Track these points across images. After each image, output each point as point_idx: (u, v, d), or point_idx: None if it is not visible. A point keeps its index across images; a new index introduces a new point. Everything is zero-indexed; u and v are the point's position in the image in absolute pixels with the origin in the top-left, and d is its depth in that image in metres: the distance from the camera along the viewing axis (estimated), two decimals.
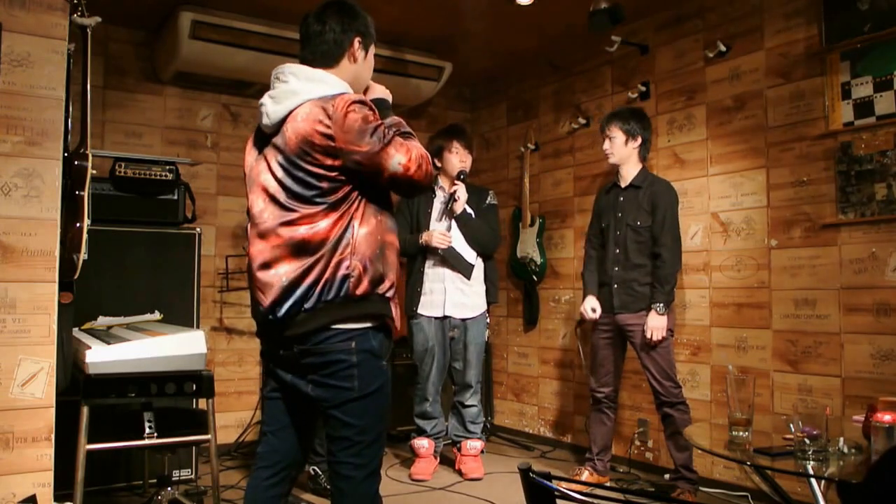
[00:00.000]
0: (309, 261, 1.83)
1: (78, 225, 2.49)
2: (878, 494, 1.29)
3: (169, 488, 3.10)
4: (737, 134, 3.65)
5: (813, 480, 2.05)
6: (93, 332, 3.04)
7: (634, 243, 3.46)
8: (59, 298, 2.49)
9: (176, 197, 3.67)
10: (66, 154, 2.52)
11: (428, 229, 3.84)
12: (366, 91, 2.11)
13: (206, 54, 3.98)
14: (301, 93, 1.88)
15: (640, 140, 3.51)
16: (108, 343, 2.69)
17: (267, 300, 1.86)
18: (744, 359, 3.54)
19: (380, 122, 1.86)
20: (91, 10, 2.56)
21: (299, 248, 1.84)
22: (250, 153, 2.04)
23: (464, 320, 3.89)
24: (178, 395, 2.70)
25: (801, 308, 3.33)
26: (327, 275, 1.83)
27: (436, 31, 4.35)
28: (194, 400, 3.36)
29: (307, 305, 1.83)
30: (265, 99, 1.95)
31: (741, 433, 2.20)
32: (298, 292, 1.83)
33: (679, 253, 3.46)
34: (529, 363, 4.90)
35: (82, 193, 2.51)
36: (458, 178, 3.82)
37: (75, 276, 2.53)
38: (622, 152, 3.52)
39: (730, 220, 3.66)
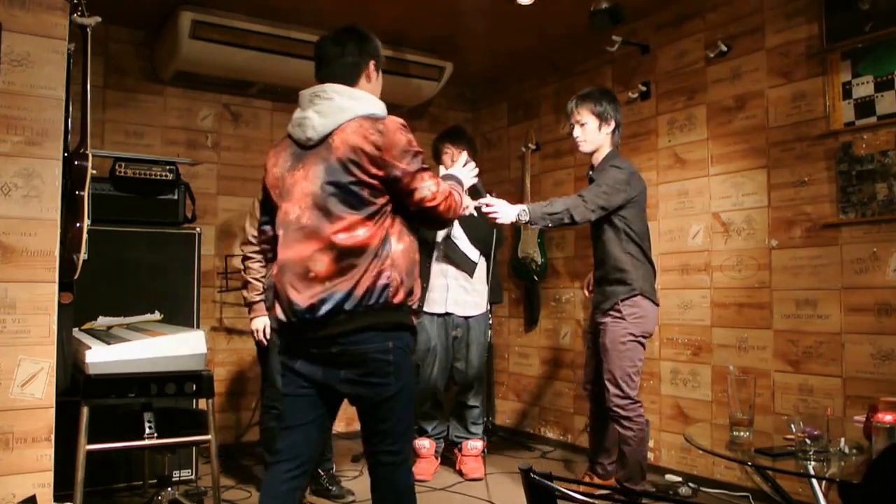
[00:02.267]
0: (350, 266, 1.99)
1: (78, 225, 2.49)
2: (877, 493, 1.29)
3: (169, 488, 3.11)
4: (737, 134, 3.65)
5: (814, 481, 2.05)
6: (93, 332, 3.03)
7: (600, 233, 3.14)
8: (59, 298, 2.48)
9: (176, 197, 3.67)
10: (66, 154, 2.52)
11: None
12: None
13: (206, 54, 3.98)
14: (348, 109, 2.05)
15: (613, 124, 3.17)
16: (108, 343, 2.69)
17: (305, 301, 1.99)
18: (745, 359, 3.53)
19: (422, 151, 2.09)
20: (91, 10, 2.55)
21: (340, 253, 1.99)
22: (279, 164, 2.15)
23: (466, 318, 3.88)
24: (178, 395, 2.70)
25: (801, 308, 3.33)
26: (369, 282, 1.99)
27: (436, 31, 4.35)
28: (194, 400, 3.36)
29: (347, 307, 1.98)
30: (310, 114, 2.08)
31: (742, 433, 2.20)
32: (339, 295, 1.97)
33: (583, 208, 2.97)
34: (530, 363, 4.90)
35: (82, 193, 2.50)
36: None
37: (75, 276, 2.53)
38: (596, 139, 3.17)
39: (731, 220, 3.66)
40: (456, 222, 3.82)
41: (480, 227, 3.82)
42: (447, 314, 3.86)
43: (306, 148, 2.08)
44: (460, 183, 2.33)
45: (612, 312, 3.08)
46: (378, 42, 2.25)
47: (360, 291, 1.98)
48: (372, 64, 2.19)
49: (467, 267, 3.84)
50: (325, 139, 2.04)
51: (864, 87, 3.11)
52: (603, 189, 3.02)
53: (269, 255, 2.21)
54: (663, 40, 4.06)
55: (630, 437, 3.01)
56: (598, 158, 3.22)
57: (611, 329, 3.06)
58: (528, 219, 2.94)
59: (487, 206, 2.98)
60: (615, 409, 3.04)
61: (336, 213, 2.00)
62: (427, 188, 2.05)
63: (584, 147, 3.21)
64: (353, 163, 1.99)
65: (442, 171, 2.35)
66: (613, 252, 3.09)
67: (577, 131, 3.21)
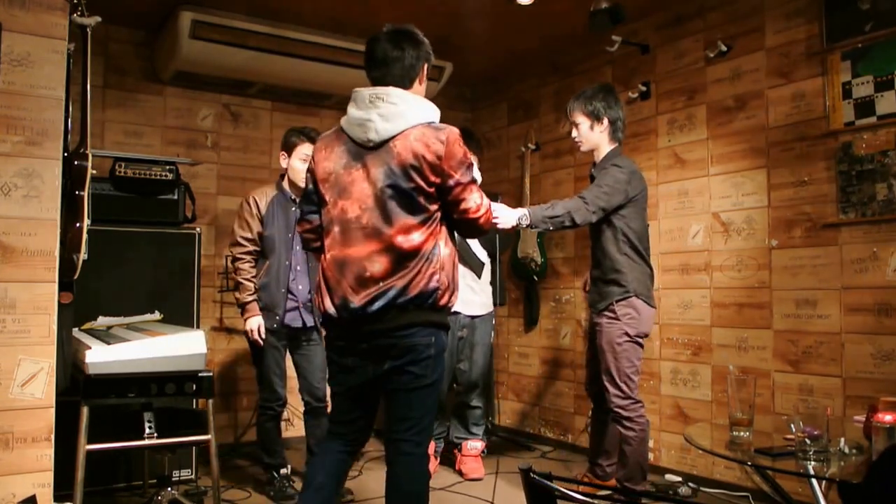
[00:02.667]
0: (404, 267, 2.12)
1: (78, 225, 2.48)
2: (878, 493, 1.29)
3: (169, 488, 3.10)
4: (737, 134, 3.65)
5: (814, 481, 2.05)
6: (93, 332, 3.03)
7: (598, 233, 3.12)
8: (59, 298, 2.48)
9: (176, 197, 3.67)
10: (66, 154, 2.52)
11: None
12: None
13: (206, 54, 3.98)
14: (411, 116, 2.14)
15: (605, 122, 3.12)
16: (108, 343, 2.69)
17: (359, 299, 2.12)
18: (745, 359, 3.53)
19: (473, 165, 2.21)
20: (91, 10, 2.55)
21: (397, 255, 2.11)
22: (331, 159, 2.22)
23: (472, 318, 3.88)
24: (178, 395, 2.70)
25: (801, 308, 3.33)
26: (422, 284, 2.12)
27: (436, 31, 4.32)
28: (194, 400, 3.36)
29: (399, 303, 2.12)
30: (372, 116, 2.14)
31: (742, 433, 2.20)
32: (392, 293, 2.11)
33: (584, 210, 2.95)
34: (530, 363, 4.90)
35: (82, 193, 2.50)
36: None
37: (75, 276, 2.53)
38: (591, 139, 3.16)
39: (731, 220, 3.66)
40: None
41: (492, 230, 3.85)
42: (454, 313, 3.84)
43: (366, 148, 2.16)
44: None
45: (606, 313, 3.07)
46: (429, 43, 2.31)
47: (413, 291, 2.11)
48: (426, 66, 2.28)
49: (476, 267, 3.85)
50: (386, 142, 2.13)
51: (864, 87, 3.11)
52: (603, 189, 3.01)
53: (314, 244, 2.33)
54: (663, 40, 4.06)
55: (631, 437, 3.00)
56: (598, 156, 3.21)
57: (606, 330, 3.06)
58: (528, 223, 2.93)
59: None
60: (616, 409, 3.03)
61: (395, 216, 2.12)
62: (473, 200, 2.20)
63: (583, 147, 3.23)
64: (414, 169, 2.09)
65: None
66: (610, 252, 3.07)
67: (574, 132, 3.24)
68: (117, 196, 3.53)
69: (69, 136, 2.57)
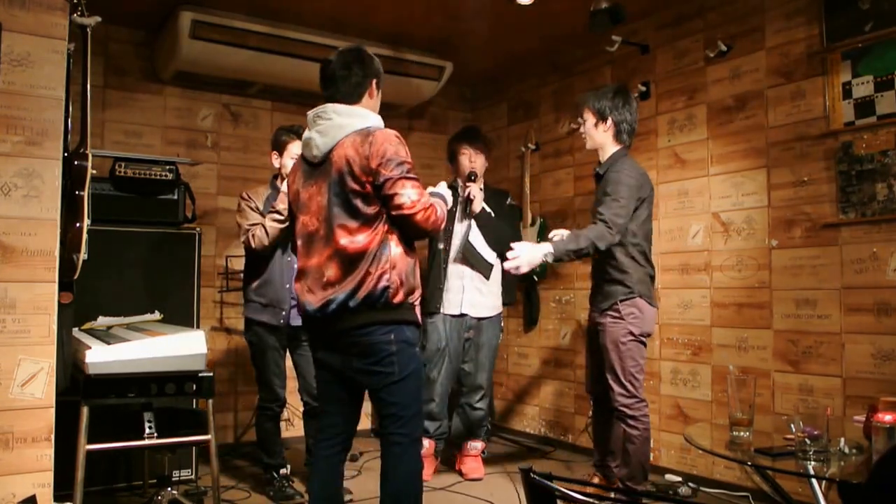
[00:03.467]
0: (353, 269, 2.21)
1: (78, 225, 2.48)
2: (879, 494, 1.29)
3: (169, 488, 3.10)
4: (737, 134, 3.65)
5: (814, 481, 2.05)
6: (93, 332, 3.03)
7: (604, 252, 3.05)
8: (59, 298, 2.48)
9: (176, 197, 3.67)
10: (66, 154, 2.52)
11: (448, 229, 3.81)
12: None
13: (206, 54, 3.98)
14: (346, 126, 2.26)
15: (609, 122, 3.10)
16: (108, 343, 2.69)
17: (317, 302, 2.26)
18: (745, 359, 3.53)
19: (411, 162, 2.25)
20: (91, 10, 2.55)
21: (342, 256, 2.22)
22: (296, 181, 2.41)
23: (480, 320, 3.87)
24: (178, 395, 2.70)
25: (801, 308, 3.33)
26: (370, 284, 2.20)
27: (436, 31, 4.35)
28: (194, 400, 3.36)
29: (351, 305, 2.21)
30: (312, 135, 2.31)
31: (742, 433, 2.20)
32: (342, 296, 2.21)
33: (608, 235, 2.93)
34: (530, 363, 4.90)
35: (82, 193, 2.50)
36: (468, 178, 3.80)
37: (75, 276, 2.53)
38: (595, 137, 3.15)
39: (731, 219, 3.66)
40: (473, 224, 3.81)
41: (497, 229, 3.81)
42: (462, 315, 3.84)
43: (315, 165, 2.32)
44: (446, 202, 2.47)
45: (610, 312, 3.06)
46: (378, 61, 2.43)
47: (362, 293, 2.20)
48: (374, 83, 2.37)
49: (484, 269, 3.83)
50: (328, 156, 2.27)
51: (863, 87, 3.11)
52: (620, 204, 2.98)
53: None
54: (663, 40, 4.06)
55: (635, 435, 3.01)
56: (603, 156, 3.19)
57: (610, 329, 3.05)
58: (552, 260, 2.97)
59: (510, 251, 2.99)
60: (621, 408, 3.02)
61: (340, 222, 2.23)
62: (407, 195, 2.19)
63: (588, 144, 3.22)
64: (347, 174, 2.20)
65: (430, 189, 2.48)
66: (615, 253, 3.05)
67: (581, 128, 3.26)
68: (117, 196, 3.53)
69: (69, 136, 2.57)
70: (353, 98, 2.34)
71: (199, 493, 3.34)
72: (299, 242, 2.37)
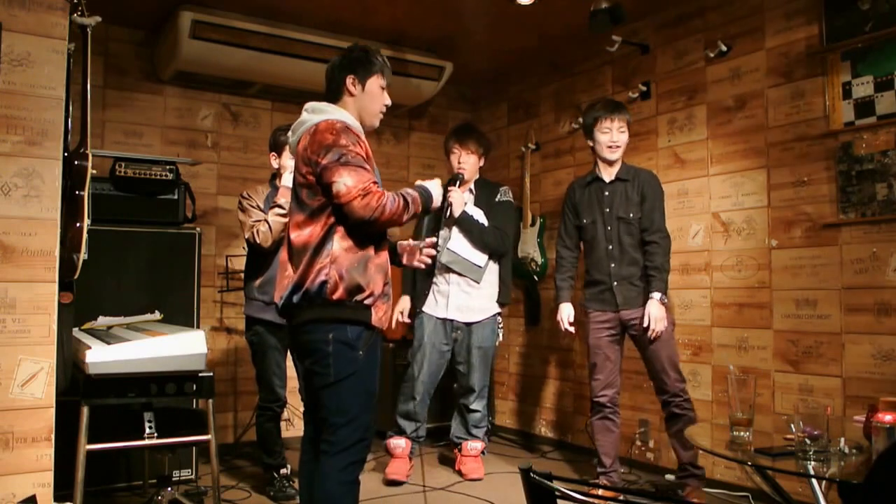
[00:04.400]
0: (300, 262, 2.18)
1: (78, 225, 2.48)
2: (878, 492, 1.29)
3: (169, 488, 3.10)
4: (737, 134, 3.65)
5: (814, 481, 2.05)
6: (93, 332, 3.03)
7: (628, 236, 3.36)
8: (59, 298, 2.48)
9: (176, 197, 3.67)
10: (66, 154, 2.52)
11: (426, 234, 3.78)
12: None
13: (206, 54, 3.98)
14: (307, 122, 2.27)
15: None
16: (108, 343, 2.68)
17: (276, 296, 2.27)
18: (745, 359, 3.53)
19: (352, 149, 2.12)
20: (91, 10, 2.55)
21: (294, 251, 2.22)
22: None
23: (468, 324, 3.82)
24: (178, 395, 2.70)
25: (801, 308, 3.33)
26: (311, 276, 2.15)
27: (436, 31, 4.35)
28: (194, 400, 3.36)
29: (294, 299, 2.17)
30: (289, 134, 2.37)
31: (742, 433, 2.20)
32: (290, 288, 2.18)
33: (669, 241, 3.37)
34: (530, 363, 4.90)
35: (82, 193, 2.50)
36: (451, 182, 3.71)
37: (75, 276, 2.53)
38: (624, 147, 3.43)
39: (731, 219, 3.66)
40: (455, 229, 3.75)
41: (482, 232, 3.77)
42: (448, 320, 3.80)
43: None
44: (425, 196, 2.32)
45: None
46: (366, 56, 2.34)
47: (302, 287, 2.15)
48: (349, 79, 2.30)
49: (473, 273, 3.78)
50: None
51: (863, 87, 3.11)
52: (663, 210, 3.39)
53: None
54: (663, 40, 4.06)
55: (693, 416, 3.27)
56: (615, 165, 3.43)
57: (654, 318, 3.23)
58: (665, 299, 3.28)
59: (652, 331, 3.26)
60: (681, 392, 3.27)
61: (293, 215, 2.24)
62: (342, 183, 2.08)
63: (617, 154, 3.41)
64: (297, 169, 2.23)
65: (418, 182, 2.41)
66: (637, 247, 3.35)
67: (615, 136, 3.39)
68: (117, 196, 3.53)
69: (69, 136, 2.57)
70: (335, 96, 2.33)
71: (199, 493, 3.34)
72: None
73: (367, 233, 2.18)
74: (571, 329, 3.51)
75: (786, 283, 3.40)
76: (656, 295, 3.24)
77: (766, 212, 3.49)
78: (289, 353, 3.49)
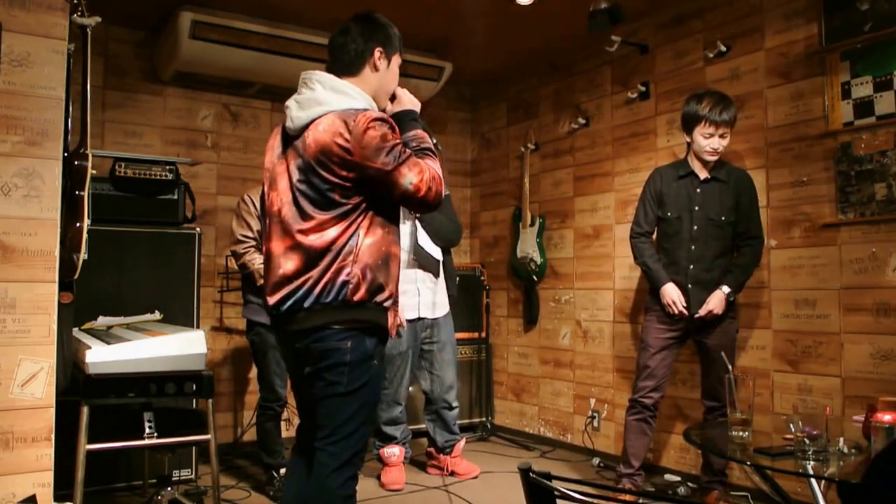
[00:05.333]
0: (313, 263, 1.96)
1: (78, 225, 2.49)
2: (876, 491, 1.29)
3: (169, 488, 3.10)
4: (737, 134, 3.64)
5: (813, 480, 2.05)
6: (93, 332, 3.03)
7: (715, 240, 3.19)
8: (59, 298, 2.48)
9: (176, 197, 3.67)
10: (66, 154, 2.52)
11: None
12: (393, 99, 2.22)
13: (206, 54, 3.98)
14: (325, 103, 1.99)
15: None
16: (108, 343, 2.69)
17: (273, 297, 2.02)
18: (744, 358, 3.54)
19: (398, 141, 1.98)
20: (91, 10, 2.55)
21: (306, 252, 1.97)
22: (273, 150, 2.13)
23: (436, 319, 3.80)
24: (178, 395, 2.70)
25: (801, 308, 3.33)
26: (327, 278, 1.95)
27: (436, 31, 4.35)
28: (194, 400, 3.36)
29: (306, 304, 1.97)
30: (291, 103, 2.04)
31: (741, 433, 2.20)
32: (300, 292, 1.97)
33: (762, 246, 3.27)
34: (529, 363, 4.90)
35: (82, 193, 2.50)
36: None
37: (75, 276, 2.53)
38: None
39: None
40: (419, 225, 3.71)
41: (438, 223, 3.72)
42: (419, 319, 3.76)
43: (290, 137, 2.06)
44: (416, 119, 2.17)
45: (727, 313, 3.20)
46: (392, 29, 2.15)
47: (318, 289, 1.96)
48: (378, 51, 2.09)
49: (433, 268, 3.76)
50: (302, 131, 2.00)
51: (863, 88, 3.12)
52: (758, 213, 3.28)
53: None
54: (662, 40, 4.06)
55: None
56: (709, 165, 3.29)
57: (730, 329, 3.23)
58: (734, 295, 3.19)
59: (709, 312, 3.17)
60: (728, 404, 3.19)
61: (308, 213, 1.98)
62: (408, 182, 1.96)
63: (715, 156, 3.21)
64: (323, 165, 1.94)
65: (389, 108, 2.18)
66: (726, 250, 3.23)
67: (716, 142, 3.17)
68: (117, 196, 3.53)
69: (69, 136, 2.57)
70: (351, 69, 2.07)
71: (199, 493, 3.34)
72: (267, 221, 2.10)
73: (395, 221, 2.08)
74: (684, 310, 3.19)
75: (785, 283, 3.40)
76: (725, 289, 3.13)
77: (765, 212, 3.49)
78: None
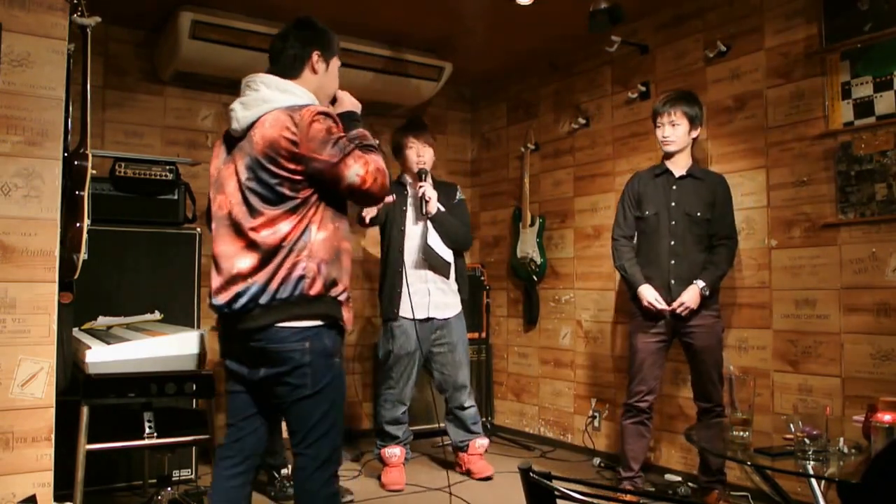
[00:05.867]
0: (267, 260, 1.98)
1: (78, 225, 2.48)
2: (876, 491, 1.29)
3: (169, 488, 3.10)
4: (737, 134, 3.65)
5: (813, 480, 2.05)
6: (93, 332, 3.03)
7: (693, 235, 3.24)
8: (59, 298, 2.48)
9: (176, 197, 3.67)
10: (66, 154, 2.52)
11: (402, 227, 3.72)
12: (334, 101, 2.26)
13: (206, 54, 3.98)
14: (270, 101, 2.03)
15: (698, 129, 3.34)
16: (108, 343, 2.69)
17: (223, 295, 2.02)
18: (744, 358, 3.54)
19: (342, 134, 2.01)
20: (91, 10, 2.55)
21: (260, 249, 1.99)
22: (218, 157, 2.18)
23: (446, 320, 3.80)
24: (178, 395, 2.69)
25: (801, 308, 3.33)
26: (283, 273, 1.97)
27: (436, 31, 4.35)
28: (194, 400, 3.36)
29: (262, 301, 1.97)
30: (235, 105, 2.09)
31: (741, 433, 2.20)
32: (254, 289, 1.98)
33: (736, 246, 3.36)
34: (529, 363, 4.90)
35: (82, 193, 2.50)
36: (419, 177, 3.70)
37: (75, 276, 2.53)
38: (684, 141, 3.29)
39: None
40: (430, 226, 3.71)
41: (451, 225, 3.74)
42: (429, 319, 3.75)
43: (235, 140, 2.09)
44: (357, 120, 2.19)
45: (710, 312, 3.25)
46: (329, 34, 2.22)
47: (274, 285, 1.97)
48: (315, 55, 2.15)
49: (444, 269, 3.76)
50: (247, 131, 2.04)
51: (863, 88, 3.12)
52: (733, 215, 3.32)
53: None
54: (662, 40, 4.06)
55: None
56: (682, 160, 3.36)
57: (715, 329, 3.24)
58: (708, 292, 3.19)
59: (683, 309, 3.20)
60: (721, 403, 3.22)
61: (258, 210, 2.00)
62: (354, 174, 1.99)
63: (671, 147, 3.32)
64: (270, 160, 1.97)
65: (332, 110, 2.19)
66: (701, 246, 3.26)
67: (667, 131, 3.30)
68: (117, 196, 3.53)
69: (69, 136, 2.57)
70: (291, 72, 2.12)
71: (199, 493, 3.34)
72: (213, 225, 2.12)
73: (345, 215, 2.10)
74: (665, 306, 3.23)
75: (785, 283, 3.40)
76: (699, 283, 3.16)
77: (765, 212, 3.49)
78: None
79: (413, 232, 3.75)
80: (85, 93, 2.57)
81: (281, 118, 1.98)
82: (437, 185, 3.86)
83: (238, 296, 1.99)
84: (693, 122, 3.30)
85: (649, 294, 3.25)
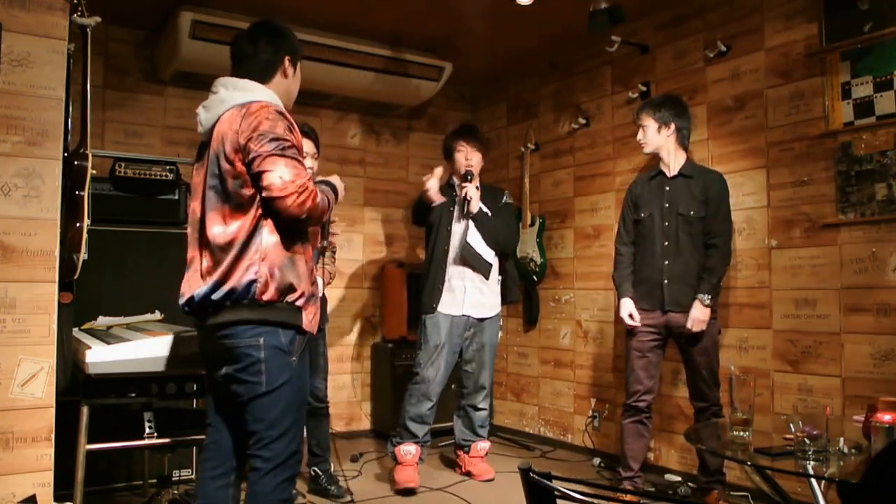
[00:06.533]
0: (222, 259, 1.97)
1: (78, 225, 2.48)
2: (876, 491, 1.29)
3: (169, 488, 3.10)
4: (737, 134, 3.65)
5: (813, 480, 2.05)
6: (93, 332, 3.03)
7: (686, 235, 3.25)
8: (59, 298, 2.48)
9: (176, 197, 3.67)
10: (66, 154, 2.52)
11: (448, 226, 3.76)
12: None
13: (206, 54, 3.97)
14: (228, 101, 2.05)
15: (673, 127, 3.31)
16: (108, 343, 2.68)
17: (185, 296, 2.05)
18: (744, 358, 3.54)
19: (291, 142, 1.97)
20: (91, 10, 2.56)
21: (214, 248, 1.99)
22: (198, 163, 2.18)
23: (481, 320, 3.82)
24: (178, 395, 2.70)
25: (801, 308, 3.33)
26: (236, 275, 1.96)
27: (436, 31, 4.35)
28: (194, 400, 3.36)
29: (214, 297, 1.97)
30: (199, 109, 2.13)
31: (741, 433, 2.20)
32: (206, 288, 1.98)
33: (731, 246, 3.34)
34: (529, 363, 4.90)
35: (82, 193, 2.50)
36: (464, 178, 3.76)
37: (75, 276, 2.53)
38: (656, 141, 3.33)
39: None
40: (471, 224, 3.75)
41: (495, 228, 3.79)
42: (464, 316, 3.77)
43: (203, 145, 2.13)
44: (334, 191, 2.20)
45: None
46: (295, 37, 2.23)
47: (227, 286, 1.95)
48: (287, 60, 2.16)
49: (483, 268, 3.78)
50: (210, 133, 2.06)
51: (863, 88, 3.12)
52: (728, 219, 3.29)
53: None
54: (662, 40, 4.06)
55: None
56: (672, 160, 3.35)
57: (711, 329, 3.22)
58: (711, 302, 3.18)
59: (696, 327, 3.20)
60: (717, 401, 3.23)
61: (214, 207, 2.00)
62: (277, 175, 1.90)
63: (646, 148, 3.38)
64: (221, 153, 1.98)
65: (320, 178, 2.27)
66: (699, 246, 3.24)
67: (639, 134, 3.38)
68: (117, 196, 3.53)
69: (69, 136, 2.57)
70: (263, 77, 2.10)
71: None
72: (189, 230, 2.13)
73: (291, 226, 2.02)
74: (637, 323, 3.31)
75: (785, 283, 3.40)
76: (702, 297, 3.15)
77: (765, 212, 3.49)
78: None
79: (457, 231, 3.80)
80: (85, 93, 2.57)
81: (234, 114, 1.99)
82: (484, 188, 3.92)
83: (195, 295, 2.01)
84: (661, 120, 3.32)
85: (624, 309, 3.36)
